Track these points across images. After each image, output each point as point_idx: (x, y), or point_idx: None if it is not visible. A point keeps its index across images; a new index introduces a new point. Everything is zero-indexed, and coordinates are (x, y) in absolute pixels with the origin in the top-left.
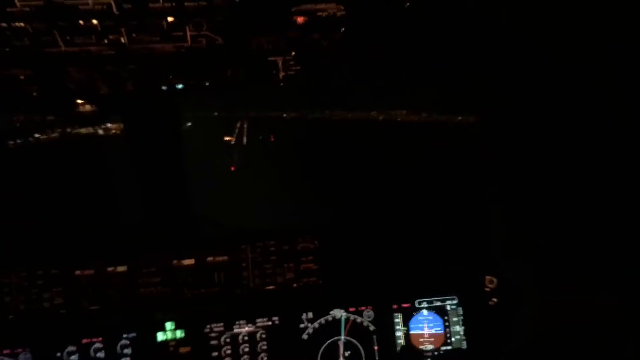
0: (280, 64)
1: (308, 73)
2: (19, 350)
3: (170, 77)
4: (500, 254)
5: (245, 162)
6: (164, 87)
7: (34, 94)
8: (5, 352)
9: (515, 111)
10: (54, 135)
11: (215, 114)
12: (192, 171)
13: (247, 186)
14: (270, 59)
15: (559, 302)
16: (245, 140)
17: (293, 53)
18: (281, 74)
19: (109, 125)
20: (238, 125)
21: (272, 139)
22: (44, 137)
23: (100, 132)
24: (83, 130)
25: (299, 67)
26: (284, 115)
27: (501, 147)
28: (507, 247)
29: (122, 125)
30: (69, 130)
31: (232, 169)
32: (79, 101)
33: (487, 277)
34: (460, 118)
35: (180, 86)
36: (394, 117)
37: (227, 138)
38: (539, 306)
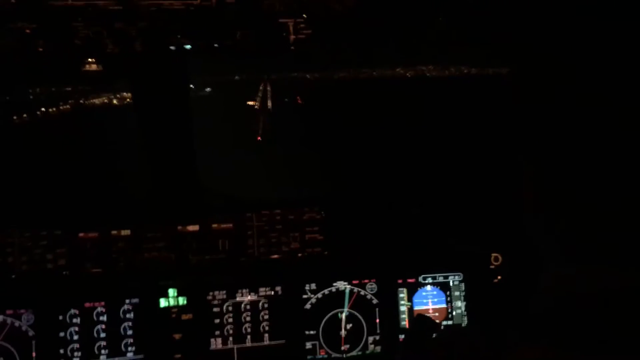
0: (291, 26)
1: (319, 37)
2: (22, 311)
3: (179, 36)
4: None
5: (271, 130)
6: (172, 47)
7: (40, 49)
8: (8, 312)
9: (553, 66)
10: (66, 106)
11: (237, 77)
12: (203, 139)
13: (259, 156)
14: (280, 20)
15: (583, 271)
16: (270, 104)
17: (304, 16)
18: (292, 37)
19: (124, 94)
20: (261, 88)
21: (300, 101)
22: (54, 109)
23: (116, 102)
24: (97, 101)
25: (310, 31)
26: (308, 76)
27: (532, 106)
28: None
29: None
30: (81, 101)
31: (259, 139)
32: (86, 60)
33: (493, 255)
34: (491, 72)
35: (188, 47)
36: (420, 73)
37: (250, 103)
38: (560, 276)
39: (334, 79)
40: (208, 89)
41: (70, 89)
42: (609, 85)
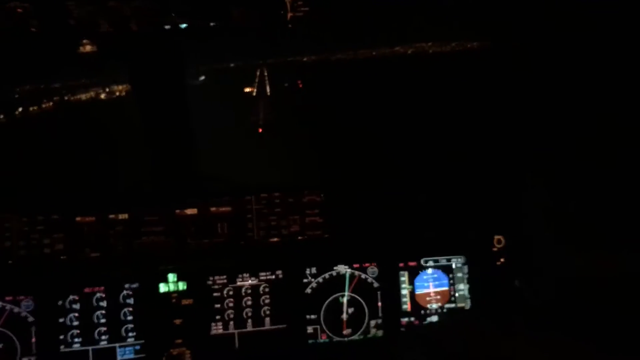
0: (288, 3)
1: (317, 14)
2: (22, 297)
3: (174, 15)
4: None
5: (271, 116)
6: (167, 27)
7: (33, 29)
8: (7, 298)
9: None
10: (49, 104)
11: (232, 64)
12: (200, 126)
13: (258, 140)
14: None
15: (585, 257)
16: (268, 89)
17: None
18: (289, 15)
19: (114, 87)
20: (258, 74)
21: (300, 85)
22: (50, 103)
23: (103, 96)
24: (83, 97)
25: (307, 8)
26: (305, 59)
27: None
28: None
29: (126, 87)
30: (67, 97)
31: (260, 130)
32: (81, 41)
33: (496, 237)
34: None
35: (184, 26)
36: (419, 50)
37: (247, 89)
38: (564, 261)
39: (332, 60)
40: (202, 77)
41: (64, 82)
42: (607, 62)
